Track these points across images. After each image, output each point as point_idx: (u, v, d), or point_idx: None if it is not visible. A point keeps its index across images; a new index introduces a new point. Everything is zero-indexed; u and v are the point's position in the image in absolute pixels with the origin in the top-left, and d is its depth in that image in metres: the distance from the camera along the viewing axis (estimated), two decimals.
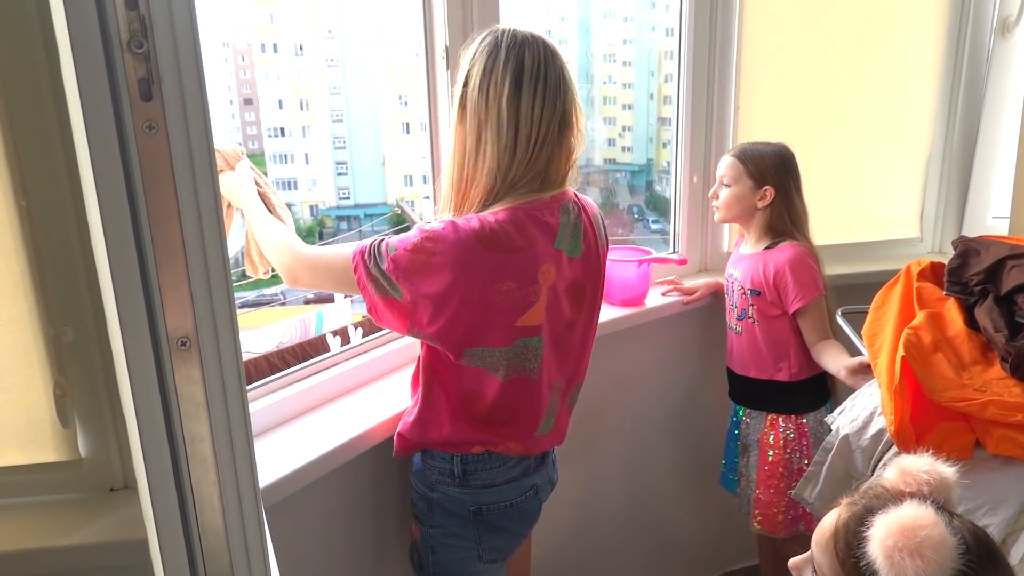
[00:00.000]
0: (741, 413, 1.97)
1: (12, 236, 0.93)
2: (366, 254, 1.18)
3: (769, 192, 1.81)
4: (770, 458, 1.89)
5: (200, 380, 0.50)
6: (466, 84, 1.19)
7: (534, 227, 1.19)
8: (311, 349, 2.09)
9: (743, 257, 1.91)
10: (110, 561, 0.94)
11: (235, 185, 1.32)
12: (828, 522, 0.98)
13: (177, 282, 0.48)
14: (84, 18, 0.41)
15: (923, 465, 0.96)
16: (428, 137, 1.71)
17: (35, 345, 0.96)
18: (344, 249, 1.22)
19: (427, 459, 1.34)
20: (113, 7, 0.41)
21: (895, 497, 0.93)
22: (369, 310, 1.22)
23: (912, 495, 0.92)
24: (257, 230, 1.30)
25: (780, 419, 1.88)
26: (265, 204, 1.33)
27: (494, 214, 1.18)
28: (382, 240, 1.19)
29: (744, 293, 1.87)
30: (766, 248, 1.85)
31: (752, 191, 1.83)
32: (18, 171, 0.91)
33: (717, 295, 2.08)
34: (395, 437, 1.38)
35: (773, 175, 1.82)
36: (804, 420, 1.87)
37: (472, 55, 1.20)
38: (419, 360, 1.32)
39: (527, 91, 1.16)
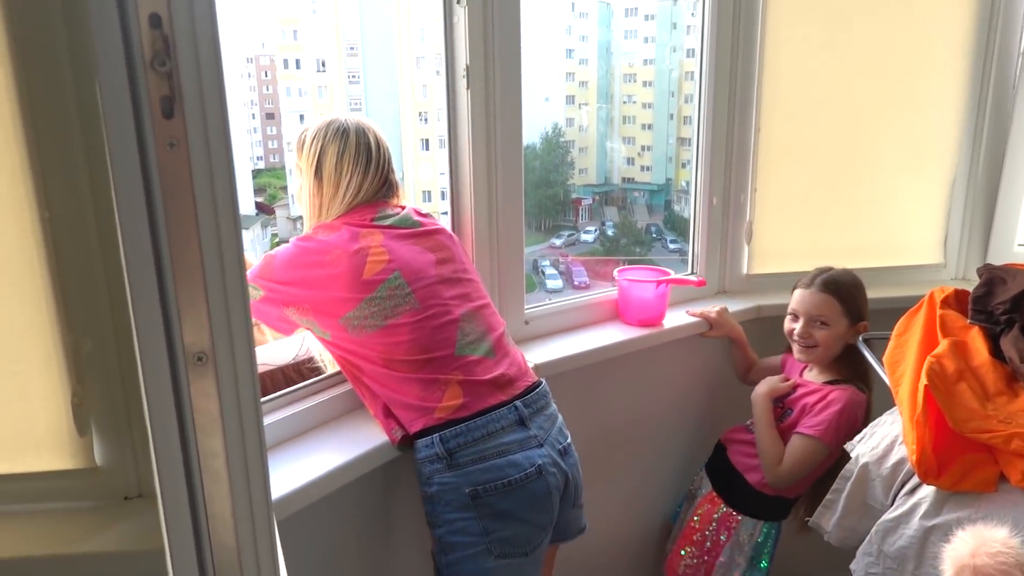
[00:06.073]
0: (700, 472, 2.01)
1: (35, 246, 0.94)
2: None
3: (864, 327, 1.76)
4: (694, 524, 1.91)
5: (216, 395, 0.50)
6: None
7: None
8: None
9: (802, 383, 1.86)
10: (123, 570, 0.94)
11: None
12: None
13: (195, 298, 0.48)
14: (108, 36, 0.42)
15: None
16: (447, 154, 1.72)
17: (54, 354, 0.97)
18: None
19: (416, 456, 1.37)
20: (137, 26, 0.41)
21: None
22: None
23: None
24: None
25: (722, 503, 1.88)
26: None
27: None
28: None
29: (783, 410, 1.84)
30: (828, 382, 1.81)
31: (848, 328, 1.79)
32: (42, 183, 0.92)
33: (734, 342, 2.06)
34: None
35: (865, 310, 1.79)
36: (736, 521, 1.86)
37: None
38: (348, 374, 1.48)
39: None
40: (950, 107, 2.28)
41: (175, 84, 0.43)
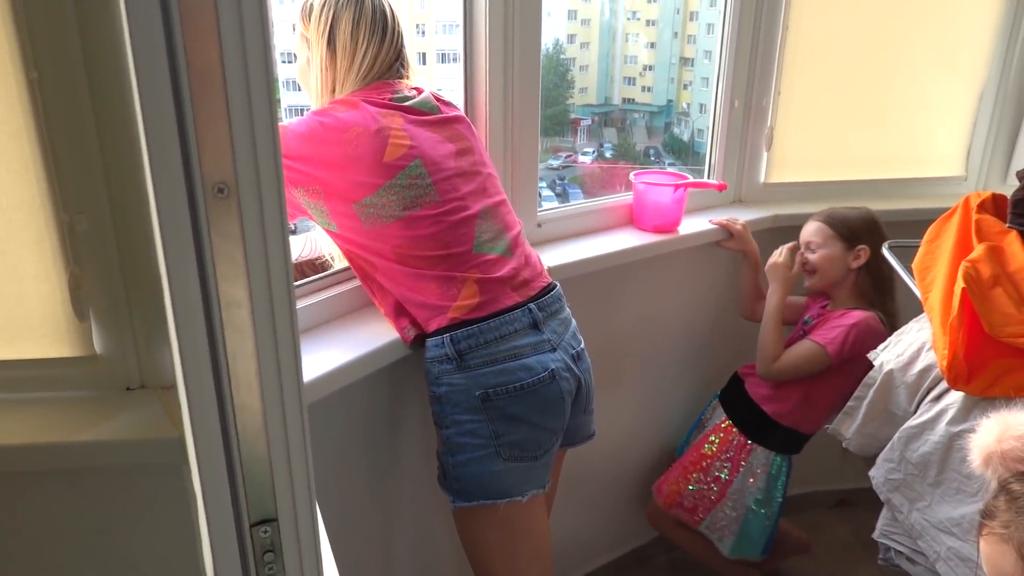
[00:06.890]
0: (713, 401, 2.02)
1: (22, 113, 0.86)
2: None
3: (864, 252, 1.77)
4: (705, 451, 1.91)
5: (239, 236, 0.43)
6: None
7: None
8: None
9: (825, 314, 1.86)
10: (125, 459, 0.90)
11: None
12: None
13: (214, 116, 0.40)
14: None
15: None
16: (463, 64, 1.63)
17: (47, 233, 0.90)
18: None
19: (426, 355, 1.34)
20: None
21: None
22: None
23: None
24: None
25: (735, 430, 1.88)
26: None
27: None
28: None
29: (805, 333, 1.84)
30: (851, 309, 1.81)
31: (844, 252, 1.79)
32: (28, 39, 0.83)
33: (747, 259, 2.00)
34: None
35: (865, 235, 1.79)
36: (752, 451, 1.86)
37: None
38: (357, 270, 1.41)
39: None
40: (984, 13, 2.16)
41: None
